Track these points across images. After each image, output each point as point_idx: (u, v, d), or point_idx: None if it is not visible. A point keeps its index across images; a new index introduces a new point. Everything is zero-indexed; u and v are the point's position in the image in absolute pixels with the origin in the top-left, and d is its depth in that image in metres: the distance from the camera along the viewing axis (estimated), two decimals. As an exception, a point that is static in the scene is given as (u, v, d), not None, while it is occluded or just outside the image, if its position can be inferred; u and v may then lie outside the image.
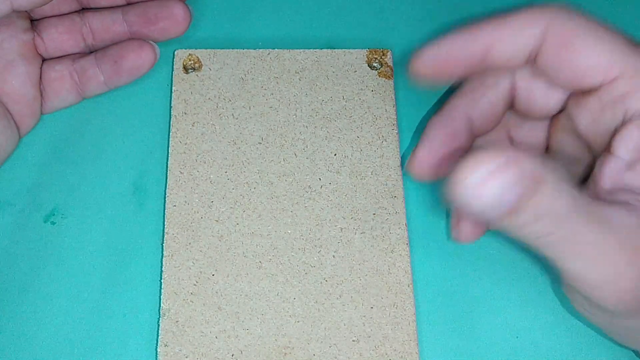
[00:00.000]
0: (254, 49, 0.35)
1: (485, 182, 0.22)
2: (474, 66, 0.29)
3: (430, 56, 0.29)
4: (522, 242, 0.24)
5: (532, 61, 0.28)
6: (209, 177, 0.32)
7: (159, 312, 0.30)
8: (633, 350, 0.30)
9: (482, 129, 0.30)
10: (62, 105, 0.34)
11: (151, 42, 0.33)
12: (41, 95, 0.33)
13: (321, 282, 0.31)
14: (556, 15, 0.27)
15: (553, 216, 0.23)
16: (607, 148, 0.26)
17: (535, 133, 0.31)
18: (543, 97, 0.29)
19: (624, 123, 0.26)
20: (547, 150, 0.31)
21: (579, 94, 0.28)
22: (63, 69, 0.33)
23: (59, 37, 0.33)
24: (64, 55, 0.33)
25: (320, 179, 0.33)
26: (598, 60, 0.26)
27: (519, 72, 0.29)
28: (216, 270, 0.31)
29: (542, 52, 0.27)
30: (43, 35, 0.33)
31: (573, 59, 0.27)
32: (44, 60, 0.33)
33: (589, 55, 0.27)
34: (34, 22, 0.33)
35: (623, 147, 0.26)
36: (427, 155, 0.30)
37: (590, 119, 0.27)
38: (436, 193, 0.33)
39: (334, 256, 0.31)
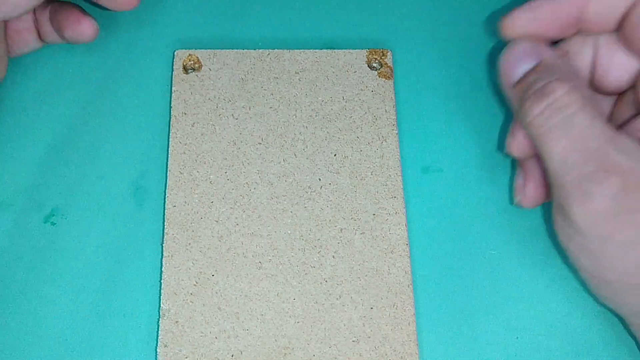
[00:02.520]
0: (254, 49, 0.35)
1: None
2: (567, 27, 0.29)
3: (522, 17, 0.30)
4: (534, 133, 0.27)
5: (620, 27, 0.28)
6: (209, 178, 0.32)
7: (159, 313, 0.30)
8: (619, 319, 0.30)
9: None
10: (27, 51, 0.35)
11: (90, 18, 0.33)
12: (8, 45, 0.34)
13: (321, 283, 0.31)
14: None
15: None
16: None
17: (601, 108, 0.31)
18: (620, 68, 0.29)
19: None
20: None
21: None
22: (28, 18, 0.34)
23: None
24: None
25: (320, 180, 0.33)
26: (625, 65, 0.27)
27: (603, 39, 0.30)
28: (216, 270, 0.31)
29: (630, 18, 0.28)
30: None
31: (605, 62, 0.28)
32: None
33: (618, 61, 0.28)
34: None
35: None
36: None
37: None
38: (436, 191, 0.33)
39: (333, 256, 0.31)
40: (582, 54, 0.30)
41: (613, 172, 0.25)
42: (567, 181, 0.26)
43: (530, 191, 0.31)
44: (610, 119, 0.31)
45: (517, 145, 0.30)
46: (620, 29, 0.29)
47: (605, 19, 0.29)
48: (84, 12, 0.33)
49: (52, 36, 0.34)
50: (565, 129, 0.26)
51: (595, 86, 0.31)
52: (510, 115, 0.33)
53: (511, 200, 0.33)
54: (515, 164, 0.33)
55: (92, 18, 0.33)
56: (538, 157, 0.30)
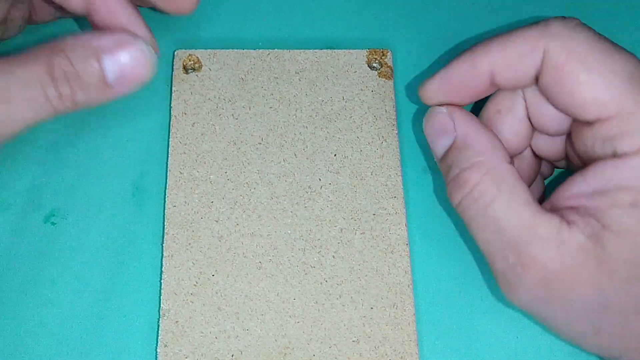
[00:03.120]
0: (254, 49, 0.35)
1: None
2: (481, 92, 0.29)
3: (435, 85, 0.30)
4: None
5: (537, 85, 0.28)
6: (209, 178, 0.32)
7: (159, 313, 0.30)
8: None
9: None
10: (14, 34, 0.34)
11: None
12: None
13: (321, 283, 0.31)
14: (555, 39, 0.26)
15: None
16: (581, 171, 0.27)
17: (553, 144, 0.31)
18: (554, 118, 0.29)
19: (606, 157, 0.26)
20: (567, 159, 0.31)
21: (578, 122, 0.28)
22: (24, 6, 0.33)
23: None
24: None
25: (320, 180, 0.33)
26: (593, 96, 0.26)
27: (530, 93, 0.29)
28: (216, 270, 0.31)
29: (542, 77, 0.27)
30: None
31: (568, 91, 0.26)
32: None
33: (584, 90, 0.26)
34: None
35: (592, 177, 0.26)
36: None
37: (584, 147, 0.27)
38: (436, 191, 0.33)
39: (333, 256, 0.31)
40: (513, 110, 0.29)
41: (531, 266, 0.26)
42: (493, 269, 0.27)
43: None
44: (567, 156, 0.30)
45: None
46: (538, 87, 0.28)
47: (517, 82, 0.28)
48: None
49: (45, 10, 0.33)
50: (482, 221, 0.27)
51: (540, 130, 0.30)
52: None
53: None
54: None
55: None
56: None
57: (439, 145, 0.29)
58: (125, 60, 0.26)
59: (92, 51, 0.26)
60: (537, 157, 0.31)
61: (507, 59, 0.27)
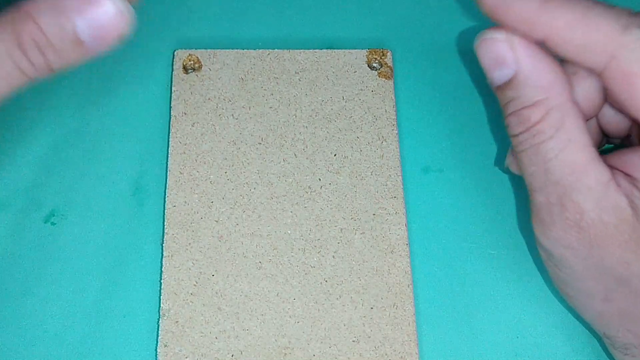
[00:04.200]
0: (254, 49, 0.35)
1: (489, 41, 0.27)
2: (531, 32, 0.27)
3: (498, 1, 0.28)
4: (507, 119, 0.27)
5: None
6: (209, 178, 0.32)
7: (159, 313, 0.30)
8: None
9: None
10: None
11: None
12: None
13: (321, 283, 0.31)
14: (627, 48, 0.25)
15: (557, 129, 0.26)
16: None
17: (620, 120, 0.30)
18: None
19: None
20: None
21: None
22: None
23: None
24: None
25: (320, 180, 0.33)
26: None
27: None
28: (216, 270, 0.31)
29: (606, 73, 0.26)
30: None
31: (633, 101, 0.26)
32: None
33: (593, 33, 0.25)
34: None
35: None
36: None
37: None
38: (436, 191, 0.33)
39: (333, 257, 0.31)
40: (591, 77, 0.28)
41: (569, 209, 0.26)
42: (533, 203, 0.27)
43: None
44: (629, 135, 0.30)
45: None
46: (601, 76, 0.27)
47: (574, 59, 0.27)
48: None
49: None
50: (535, 157, 0.26)
51: (613, 105, 0.29)
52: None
53: (501, 165, 0.33)
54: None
55: None
56: None
57: (497, 76, 0.27)
58: (97, 16, 0.24)
59: (62, 12, 0.24)
60: (600, 129, 0.31)
61: (578, 33, 0.26)
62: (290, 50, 0.35)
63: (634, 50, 0.25)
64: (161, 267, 0.31)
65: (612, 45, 0.25)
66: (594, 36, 0.26)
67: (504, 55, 0.26)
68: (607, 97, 0.28)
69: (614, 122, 0.30)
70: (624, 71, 0.26)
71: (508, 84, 0.27)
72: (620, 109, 0.28)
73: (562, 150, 0.26)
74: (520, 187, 0.33)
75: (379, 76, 0.35)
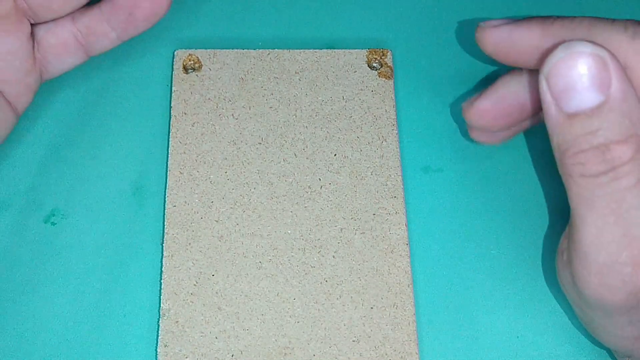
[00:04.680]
0: (254, 49, 0.35)
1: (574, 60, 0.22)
2: (536, 61, 0.26)
3: (486, 105, 0.28)
4: (560, 164, 0.23)
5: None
6: (209, 178, 0.32)
7: (159, 313, 0.30)
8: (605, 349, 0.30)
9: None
10: (67, 69, 0.31)
11: None
12: (41, 63, 0.30)
13: (321, 283, 0.31)
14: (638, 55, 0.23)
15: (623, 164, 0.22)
16: None
17: None
18: None
19: None
20: None
21: None
22: (64, 32, 0.29)
23: None
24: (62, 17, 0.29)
25: (320, 179, 0.33)
26: None
27: None
28: (216, 270, 0.31)
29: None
30: None
31: None
32: (37, 24, 0.29)
33: None
34: None
35: None
36: (490, 103, 0.27)
37: None
38: (437, 191, 0.33)
39: (334, 256, 0.31)
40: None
41: None
42: (590, 261, 0.24)
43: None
44: None
45: (481, 113, 0.28)
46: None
47: None
48: None
49: (107, 39, 0.29)
50: (612, 206, 0.22)
51: None
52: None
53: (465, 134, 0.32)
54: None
55: None
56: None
57: (577, 100, 0.22)
58: None
59: None
60: None
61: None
62: (290, 50, 0.35)
63: None
64: (161, 267, 0.31)
65: (625, 54, 0.23)
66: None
67: (599, 73, 0.22)
68: None
69: None
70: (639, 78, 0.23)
71: (594, 110, 0.22)
72: None
73: None
74: (519, 187, 0.33)
75: (379, 76, 0.35)
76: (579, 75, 0.22)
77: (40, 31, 0.29)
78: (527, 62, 0.26)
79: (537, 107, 0.27)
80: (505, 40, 0.26)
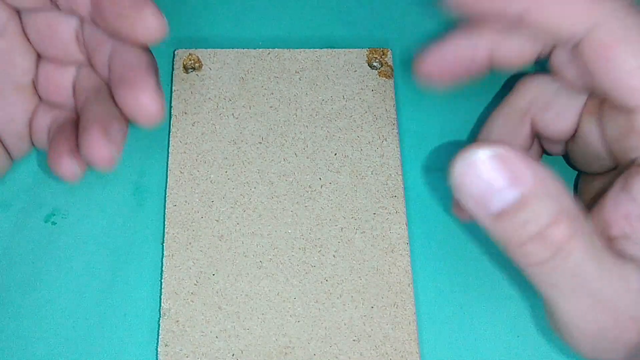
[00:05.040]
0: (254, 48, 0.35)
1: (470, 169, 0.22)
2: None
3: (433, 57, 0.29)
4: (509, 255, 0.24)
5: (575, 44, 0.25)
6: (209, 177, 0.32)
7: (160, 312, 0.30)
8: None
9: (505, 60, 0.28)
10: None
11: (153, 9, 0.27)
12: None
13: (321, 282, 0.30)
14: (606, 16, 0.24)
15: (560, 249, 0.22)
16: (623, 184, 0.24)
17: (565, 115, 0.28)
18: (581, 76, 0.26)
19: None
20: (574, 137, 0.29)
21: (612, 105, 0.26)
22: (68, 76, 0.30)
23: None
24: None
25: (320, 179, 0.33)
26: (636, 83, 0.24)
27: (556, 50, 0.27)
28: (216, 270, 0.31)
29: (583, 46, 0.25)
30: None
31: (609, 72, 0.24)
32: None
33: (628, 77, 0.24)
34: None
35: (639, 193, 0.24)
36: (439, 58, 0.28)
37: (617, 133, 0.26)
38: (437, 191, 0.33)
39: (334, 256, 0.31)
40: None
41: (630, 328, 0.23)
42: (583, 336, 0.24)
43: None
44: (577, 130, 0.28)
45: (432, 66, 0.29)
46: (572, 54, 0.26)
47: (522, 59, 0.27)
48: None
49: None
50: (573, 281, 0.23)
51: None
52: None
53: (449, 210, 0.32)
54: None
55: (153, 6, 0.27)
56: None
57: (497, 201, 0.22)
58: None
59: None
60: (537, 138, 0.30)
61: (551, 16, 0.25)
62: (291, 50, 0.35)
63: (615, 19, 0.24)
64: (161, 267, 0.31)
65: (593, 15, 0.24)
66: (573, 7, 0.24)
67: (504, 174, 0.22)
68: (579, 78, 0.26)
69: (564, 118, 0.28)
70: (602, 42, 0.24)
71: (516, 206, 0.22)
72: (592, 87, 0.26)
73: (599, 266, 0.22)
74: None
75: (380, 75, 0.35)
76: (487, 181, 0.22)
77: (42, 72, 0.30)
78: (496, 7, 0.27)
79: (486, 61, 0.28)
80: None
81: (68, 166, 0.27)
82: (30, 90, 0.30)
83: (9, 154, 0.31)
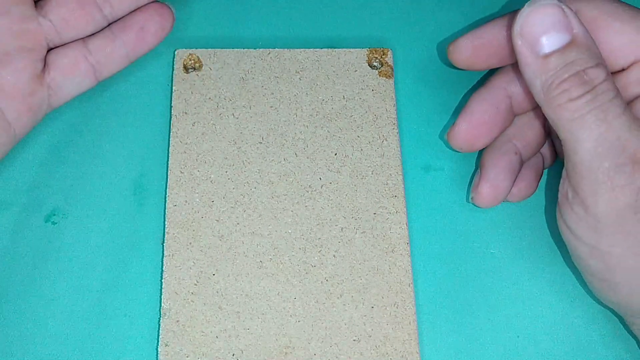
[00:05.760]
0: (255, 48, 0.35)
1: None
2: (510, 53, 0.30)
3: (466, 43, 0.30)
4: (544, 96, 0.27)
5: None
6: (210, 177, 0.32)
7: (160, 312, 0.30)
8: (616, 316, 0.31)
9: (522, 107, 0.31)
10: (75, 93, 0.31)
11: (165, 4, 0.30)
12: (49, 87, 0.30)
13: (322, 282, 0.30)
14: (586, 1, 0.28)
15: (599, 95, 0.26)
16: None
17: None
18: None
19: None
20: None
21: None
22: (76, 54, 0.30)
23: (71, 15, 0.29)
24: (75, 40, 0.30)
25: (320, 179, 0.33)
26: (628, 39, 0.28)
27: None
28: (217, 269, 0.31)
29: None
30: (51, 17, 0.29)
31: (603, 41, 0.28)
32: (52, 48, 0.30)
33: (616, 37, 0.28)
34: (38, 2, 0.29)
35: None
36: (468, 127, 0.31)
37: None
38: (437, 191, 0.33)
39: (334, 256, 0.31)
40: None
41: None
42: (595, 172, 0.26)
43: (484, 192, 0.31)
44: None
45: (463, 137, 0.31)
46: None
47: None
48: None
49: (115, 60, 0.30)
50: (601, 117, 0.26)
51: None
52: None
53: (467, 197, 0.33)
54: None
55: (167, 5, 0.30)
56: (496, 158, 0.31)
57: (549, 42, 0.27)
58: None
59: None
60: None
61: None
62: (291, 50, 0.35)
63: (592, 1, 0.28)
64: (162, 267, 0.31)
65: (572, 7, 0.28)
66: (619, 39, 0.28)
67: (562, 19, 0.27)
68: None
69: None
70: (588, 19, 0.28)
71: (566, 47, 0.26)
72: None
73: (625, 109, 0.26)
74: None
75: (380, 75, 0.35)
76: (547, 22, 0.27)
77: (52, 55, 0.30)
78: (502, 58, 0.31)
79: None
80: (475, 46, 0.31)
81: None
82: (33, 41, 0.29)
83: (12, 128, 0.29)
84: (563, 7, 0.27)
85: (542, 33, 0.27)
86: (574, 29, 0.26)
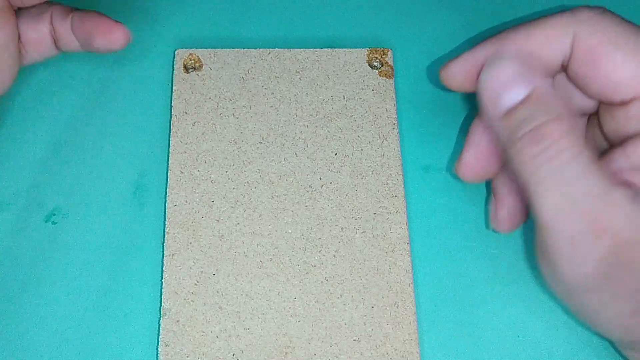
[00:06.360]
0: (255, 48, 0.35)
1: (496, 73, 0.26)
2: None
3: (458, 67, 0.29)
4: (507, 152, 0.26)
5: (565, 68, 0.28)
6: (210, 177, 0.32)
7: (160, 312, 0.30)
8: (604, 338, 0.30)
9: None
10: (40, 60, 0.32)
11: (122, 25, 0.30)
12: (20, 54, 0.31)
13: (322, 282, 0.30)
14: (584, 24, 0.26)
15: (557, 144, 0.25)
16: (620, 144, 0.26)
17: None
18: (579, 100, 0.29)
19: None
20: None
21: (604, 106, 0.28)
22: (43, 29, 0.31)
23: None
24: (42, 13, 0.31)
25: (320, 179, 0.33)
26: (629, 74, 0.26)
27: (557, 75, 0.29)
28: (217, 269, 0.31)
29: (571, 63, 0.27)
30: None
31: (602, 73, 0.26)
32: (20, 15, 0.31)
33: (619, 69, 0.26)
34: None
35: (633, 152, 0.26)
36: (473, 158, 0.30)
37: (614, 126, 0.27)
38: (437, 191, 0.33)
39: (334, 256, 0.31)
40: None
41: (604, 232, 0.24)
42: (557, 238, 0.25)
43: (503, 218, 0.30)
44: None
45: (470, 169, 0.30)
46: (567, 74, 0.28)
47: (544, 68, 0.28)
48: (113, 20, 0.30)
49: (72, 45, 0.31)
50: (559, 180, 0.24)
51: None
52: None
53: (487, 225, 0.33)
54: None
55: (123, 25, 0.30)
56: (507, 183, 0.30)
57: (505, 100, 0.26)
58: None
59: None
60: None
61: (535, 44, 0.27)
62: (291, 50, 0.35)
63: (590, 24, 0.27)
64: (162, 267, 0.31)
65: (569, 30, 0.27)
66: (549, 32, 0.27)
67: (519, 75, 0.26)
68: (582, 87, 0.28)
69: (580, 98, 0.29)
70: (587, 47, 0.27)
71: (523, 102, 0.26)
72: (595, 93, 0.27)
73: (585, 171, 0.24)
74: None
75: (380, 75, 0.35)
76: (506, 77, 0.26)
77: (23, 26, 0.30)
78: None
79: None
80: (465, 69, 0.30)
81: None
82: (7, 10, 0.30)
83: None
84: (523, 61, 0.26)
85: (502, 88, 0.26)
86: (533, 82, 0.26)
